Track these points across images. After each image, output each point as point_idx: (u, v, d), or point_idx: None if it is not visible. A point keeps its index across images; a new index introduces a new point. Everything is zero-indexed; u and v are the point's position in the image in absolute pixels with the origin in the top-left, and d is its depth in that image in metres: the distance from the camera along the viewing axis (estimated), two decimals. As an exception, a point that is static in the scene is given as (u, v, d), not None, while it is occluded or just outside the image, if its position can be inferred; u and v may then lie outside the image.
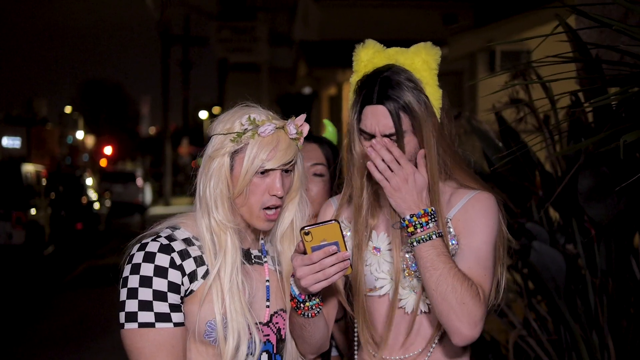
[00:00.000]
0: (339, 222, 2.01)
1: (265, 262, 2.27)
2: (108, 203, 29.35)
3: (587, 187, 3.26)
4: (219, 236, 2.15)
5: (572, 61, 3.17)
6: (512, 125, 3.96)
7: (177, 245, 2.11)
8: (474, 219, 2.23)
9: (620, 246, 3.46)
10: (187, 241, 2.15)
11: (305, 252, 2.03)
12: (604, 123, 3.15)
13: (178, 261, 2.09)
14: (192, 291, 2.11)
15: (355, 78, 2.32)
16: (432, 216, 2.13)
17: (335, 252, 2.01)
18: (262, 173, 2.13)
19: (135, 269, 2.07)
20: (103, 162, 54.39)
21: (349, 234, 2.34)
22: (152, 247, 2.09)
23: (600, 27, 2.95)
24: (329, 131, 3.09)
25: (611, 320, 3.50)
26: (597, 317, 3.53)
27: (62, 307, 11.00)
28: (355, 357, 2.41)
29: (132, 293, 2.06)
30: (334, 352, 2.95)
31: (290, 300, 2.15)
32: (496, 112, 3.99)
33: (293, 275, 2.07)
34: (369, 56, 2.30)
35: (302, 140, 2.23)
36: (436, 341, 2.28)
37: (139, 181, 35.84)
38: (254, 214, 2.17)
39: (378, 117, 2.21)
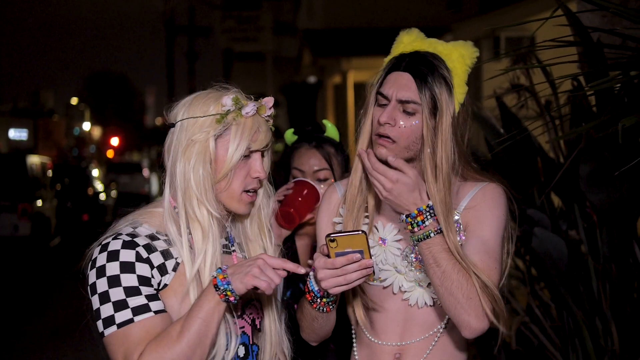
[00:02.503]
0: (365, 234, 2.00)
1: (234, 250, 2.20)
2: (114, 194, 29.47)
3: (588, 173, 3.23)
4: (204, 226, 2.07)
5: (573, 45, 3.14)
6: (513, 111, 3.93)
7: (141, 240, 2.02)
8: (483, 209, 2.21)
9: (622, 231, 3.43)
10: (151, 237, 2.06)
11: (329, 256, 2.03)
12: (605, 107, 3.12)
13: (144, 254, 2.00)
14: (165, 285, 2.03)
15: (389, 58, 2.30)
16: (428, 213, 2.10)
17: (359, 260, 2.01)
18: (245, 156, 2.09)
19: (101, 272, 1.99)
20: (109, 153, 54.56)
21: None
22: (114, 245, 2.00)
23: (600, 10, 2.92)
24: (329, 129, 3.07)
25: (614, 306, 3.48)
26: (600, 303, 3.51)
27: (69, 298, 11.02)
28: (354, 339, 2.41)
29: (104, 297, 1.97)
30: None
31: (307, 293, 2.14)
32: (497, 97, 3.96)
33: (313, 271, 2.07)
34: (410, 40, 2.28)
35: (271, 122, 2.19)
36: (441, 332, 2.28)
37: (145, 172, 35.95)
38: (235, 197, 2.11)
39: (400, 82, 2.19)
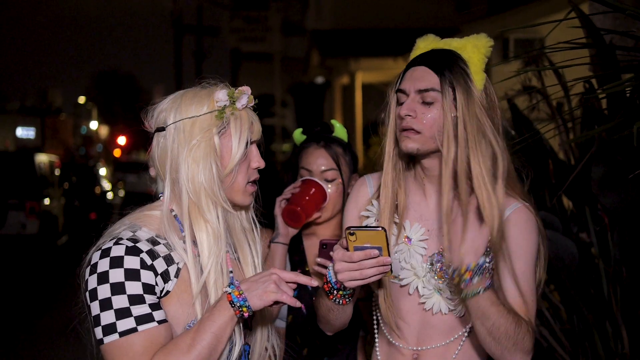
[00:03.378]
0: (385, 231, 1.99)
1: (227, 250, 2.15)
2: (122, 193, 29.50)
3: (600, 175, 3.22)
4: (215, 229, 2.04)
5: (586, 47, 3.13)
6: (524, 113, 3.92)
7: (144, 246, 1.97)
8: (518, 240, 2.18)
9: (634, 234, 3.42)
10: (152, 241, 2.01)
11: (348, 249, 2.03)
12: (617, 110, 3.11)
13: (149, 261, 1.96)
14: (167, 292, 1.99)
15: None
16: (476, 272, 2.04)
17: (377, 256, 2.00)
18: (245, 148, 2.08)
19: (103, 278, 1.93)
20: (117, 152, 54.60)
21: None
22: (117, 251, 1.94)
23: (613, 12, 2.92)
24: (337, 129, 3.07)
25: (624, 309, 3.47)
26: (610, 306, 3.50)
27: (75, 296, 11.03)
28: (376, 338, 2.42)
29: (105, 304, 1.92)
30: (361, 332, 2.95)
31: (324, 284, 2.13)
32: (509, 99, 3.95)
33: (332, 262, 2.07)
34: (426, 44, 2.31)
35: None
36: (464, 338, 2.27)
37: (152, 171, 35.86)
38: (240, 190, 2.10)
39: (415, 75, 2.21)
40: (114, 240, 1.98)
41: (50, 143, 36.52)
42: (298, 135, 3.10)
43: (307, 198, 2.85)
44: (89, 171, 24.10)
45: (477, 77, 2.19)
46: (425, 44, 2.31)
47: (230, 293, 1.95)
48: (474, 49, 2.22)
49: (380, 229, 1.99)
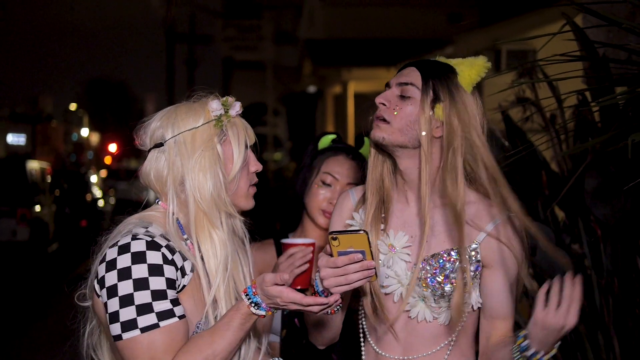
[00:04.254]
0: (367, 233, 2.00)
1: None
2: (112, 200, 29.42)
3: (593, 187, 3.24)
4: (221, 239, 2.08)
5: (579, 59, 3.16)
6: (518, 124, 3.94)
7: (161, 241, 2.00)
8: (504, 252, 2.21)
9: (626, 246, 3.44)
10: (164, 237, 2.04)
11: (332, 255, 2.04)
12: (610, 122, 3.13)
13: (169, 256, 1.98)
14: (184, 286, 2.02)
15: None
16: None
17: (361, 260, 2.01)
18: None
19: (125, 274, 1.93)
20: (108, 160, 54.47)
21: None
22: (138, 246, 1.96)
23: (608, 25, 2.94)
24: (366, 147, 3.08)
25: (617, 321, 3.48)
26: (602, 317, 3.52)
27: (65, 304, 11.00)
28: (362, 348, 2.41)
29: (126, 300, 1.92)
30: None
31: (312, 294, 2.14)
32: (502, 111, 3.97)
33: (318, 272, 2.08)
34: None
35: None
36: (451, 347, 2.28)
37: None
38: (243, 195, 2.15)
39: (403, 72, 2.25)
40: (130, 236, 1.98)
41: (41, 150, 36.42)
42: (327, 141, 3.10)
43: (310, 268, 2.80)
44: (80, 178, 24.04)
45: (467, 89, 2.23)
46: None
47: (248, 292, 1.97)
48: (469, 66, 2.24)
49: (362, 231, 2.00)
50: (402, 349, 2.30)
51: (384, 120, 2.21)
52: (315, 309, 1.97)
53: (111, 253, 1.98)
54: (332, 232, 2.02)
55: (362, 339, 2.43)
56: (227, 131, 2.10)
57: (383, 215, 2.31)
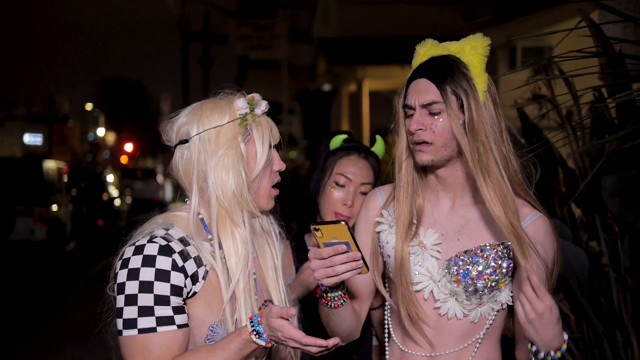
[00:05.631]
0: (347, 224, 2.01)
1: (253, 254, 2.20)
2: (129, 200, 29.55)
3: (611, 184, 3.22)
4: (242, 236, 2.08)
5: (596, 56, 3.14)
6: (534, 121, 3.93)
7: (176, 246, 2.02)
8: (545, 248, 2.22)
9: (644, 243, 3.42)
10: (183, 241, 2.05)
11: (319, 246, 2.06)
12: (627, 119, 3.12)
13: (180, 263, 2.00)
14: (194, 293, 2.03)
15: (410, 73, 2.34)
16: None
17: (345, 251, 2.02)
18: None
19: (133, 274, 1.97)
20: (124, 159, 54.67)
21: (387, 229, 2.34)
22: (151, 249, 1.99)
23: (624, 21, 2.93)
24: (378, 146, 3.07)
25: (634, 318, 3.47)
26: (620, 315, 3.50)
27: (83, 303, 11.06)
28: (387, 346, 2.42)
29: (131, 300, 1.96)
30: (374, 342, 2.95)
31: (316, 288, 2.15)
32: (518, 108, 3.96)
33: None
34: (425, 50, 2.31)
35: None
36: (479, 343, 2.28)
37: (160, 178, 36.02)
38: (265, 195, 2.15)
39: (419, 88, 2.23)
40: (148, 238, 2.02)
41: (58, 149, 36.53)
42: (338, 141, 3.09)
43: None
44: (96, 178, 24.14)
45: (479, 80, 2.21)
46: (425, 49, 2.31)
47: (253, 320, 1.98)
48: (472, 51, 2.24)
49: (342, 222, 2.01)
50: (429, 347, 2.29)
51: (426, 142, 2.21)
52: (313, 349, 1.96)
53: (128, 252, 2.02)
54: (313, 223, 2.05)
55: (387, 338, 2.43)
56: (251, 130, 2.11)
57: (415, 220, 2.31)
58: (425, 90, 2.21)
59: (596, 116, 3.55)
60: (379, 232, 2.39)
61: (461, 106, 2.18)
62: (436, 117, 2.20)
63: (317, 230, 2.03)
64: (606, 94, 3.45)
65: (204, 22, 35.85)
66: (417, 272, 2.27)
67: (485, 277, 2.18)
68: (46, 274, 13.91)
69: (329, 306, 2.18)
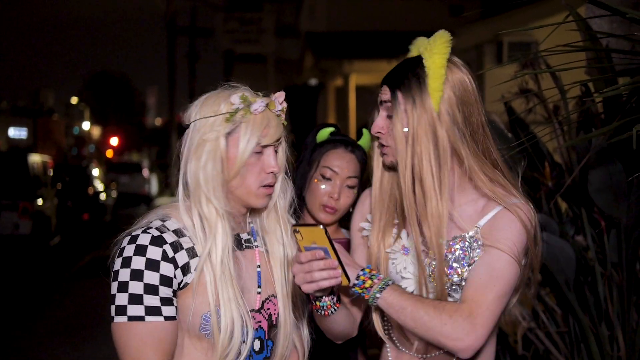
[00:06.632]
0: (325, 229, 1.98)
1: (257, 246, 2.24)
2: (114, 194, 29.48)
3: (597, 179, 3.22)
4: (211, 223, 2.10)
5: (582, 50, 3.14)
6: (521, 115, 3.93)
7: (169, 237, 2.06)
8: (498, 231, 2.15)
9: (630, 238, 3.43)
10: (178, 232, 2.09)
11: (300, 250, 2.04)
12: (614, 114, 3.12)
13: (170, 254, 2.04)
14: (186, 284, 2.06)
15: None
16: (372, 275, 2.10)
17: (323, 257, 1.99)
18: (257, 152, 2.12)
19: (126, 263, 2.02)
20: (109, 153, 54.53)
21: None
22: (143, 239, 2.04)
23: (611, 15, 2.92)
24: (364, 139, 3.06)
25: (621, 313, 3.48)
26: (606, 309, 3.51)
27: (68, 297, 11.02)
28: (386, 345, 2.39)
29: (123, 287, 2.01)
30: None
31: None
32: (505, 102, 3.96)
33: None
34: (415, 48, 2.27)
35: (283, 116, 2.22)
36: None
37: (145, 172, 35.95)
38: (252, 193, 2.15)
39: (382, 89, 2.24)
40: (143, 228, 2.07)
41: (43, 143, 36.40)
42: (325, 134, 3.08)
43: None
44: (81, 172, 24.06)
45: (435, 83, 2.15)
46: (415, 48, 2.28)
47: None
48: (429, 53, 2.18)
49: (320, 226, 1.98)
50: (423, 346, 2.27)
51: (384, 145, 2.23)
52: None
53: (124, 242, 2.07)
54: (294, 225, 2.04)
55: (385, 335, 2.41)
56: (237, 127, 2.11)
57: (396, 221, 2.30)
58: (383, 92, 2.23)
59: (583, 111, 3.55)
60: (366, 236, 2.38)
61: (405, 111, 2.16)
62: (391, 119, 2.19)
63: (297, 232, 2.02)
64: (593, 88, 3.45)
65: (191, 16, 35.76)
66: (402, 277, 2.26)
67: (457, 270, 2.16)
68: (31, 268, 13.85)
69: (319, 313, 2.14)
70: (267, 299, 2.21)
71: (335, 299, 2.12)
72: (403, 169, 2.17)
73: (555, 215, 3.76)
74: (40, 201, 15.45)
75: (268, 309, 2.21)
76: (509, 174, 2.27)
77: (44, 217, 15.66)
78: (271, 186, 2.18)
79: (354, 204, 2.98)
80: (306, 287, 2.02)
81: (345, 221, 3.05)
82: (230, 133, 2.11)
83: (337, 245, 2.04)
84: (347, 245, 2.42)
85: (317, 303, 2.11)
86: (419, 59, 2.20)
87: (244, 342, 2.10)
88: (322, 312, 2.12)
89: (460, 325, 2.05)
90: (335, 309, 2.12)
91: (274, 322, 2.23)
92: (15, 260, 14.24)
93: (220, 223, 2.10)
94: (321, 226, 1.98)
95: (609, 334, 3.51)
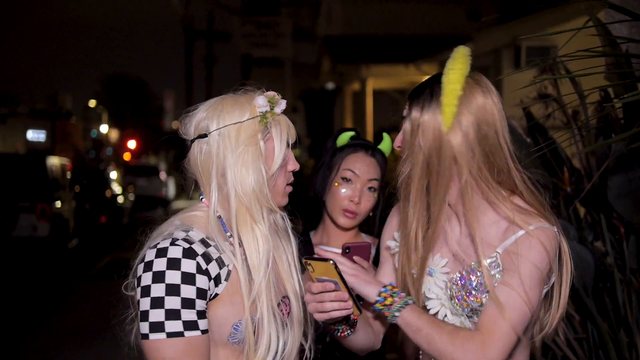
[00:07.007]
0: (335, 264, 1.99)
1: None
2: (132, 197, 29.59)
3: (617, 185, 3.21)
4: (264, 233, 2.08)
5: (602, 55, 3.13)
6: (540, 121, 3.92)
7: (199, 249, 2.01)
8: (516, 258, 2.07)
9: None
10: (204, 242, 2.05)
11: (312, 280, 2.06)
12: (634, 119, 3.11)
13: (204, 265, 1.99)
14: (216, 295, 2.03)
15: None
16: (393, 293, 2.09)
17: (333, 290, 2.01)
18: None
19: (159, 277, 1.95)
20: (127, 156, 54.74)
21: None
22: (175, 252, 1.98)
23: (631, 21, 2.91)
24: (385, 143, 3.06)
25: (639, 319, 3.46)
26: (625, 316, 3.49)
27: (86, 299, 11.08)
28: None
29: (157, 302, 1.94)
30: None
31: None
32: (524, 107, 3.95)
33: None
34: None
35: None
36: None
37: (162, 175, 36.05)
38: (280, 192, 2.16)
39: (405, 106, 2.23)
40: (170, 240, 2.00)
41: (61, 146, 36.54)
42: (345, 138, 3.08)
43: None
44: (99, 174, 24.19)
45: (447, 98, 2.10)
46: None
47: None
48: (448, 67, 2.14)
49: (330, 261, 1.99)
50: None
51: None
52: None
53: (150, 254, 2.00)
54: (305, 257, 2.04)
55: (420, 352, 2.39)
56: (270, 128, 2.12)
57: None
58: (404, 109, 2.20)
59: (602, 116, 3.54)
60: (393, 255, 2.35)
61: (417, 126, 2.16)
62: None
63: (308, 264, 2.03)
64: (613, 94, 3.43)
65: (208, 20, 35.89)
66: (427, 298, 2.21)
67: (477, 296, 2.12)
68: (49, 270, 13.93)
69: (336, 335, 2.16)
70: (281, 300, 2.19)
71: (350, 323, 2.13)
72: (400, 181, 2.17)
73: (574, 220, 3.75)
74: (58, 203, 15.53)
75: (281, 310, 2.19)
76: (535, 194, 2.18)
77: (61, 220, 15.73)
78: (291, 184, 2.20)
79: (374, 208, 2.99)
80: (318, 316, 2.04)
81: (365, 225, 3.04)
82: (265, 136, 2.11)
83: (347, 278, 2.05)
84: (367, 249, 2.40)
85: (331, 326, 2.15)
86: (440, 75, 2.19)
87: (276, 352, 2.09)
88: (339, 334, 2.15)
89: (472, 354, 2.02)
90: (351, 332, 2.14)
91: (286, 324, 2.20)
92: (33, 262, 14.31)
93: (268, 230, 2.11)
94: (331, 261, 1.99)
95: (628, 341, 3.49)
